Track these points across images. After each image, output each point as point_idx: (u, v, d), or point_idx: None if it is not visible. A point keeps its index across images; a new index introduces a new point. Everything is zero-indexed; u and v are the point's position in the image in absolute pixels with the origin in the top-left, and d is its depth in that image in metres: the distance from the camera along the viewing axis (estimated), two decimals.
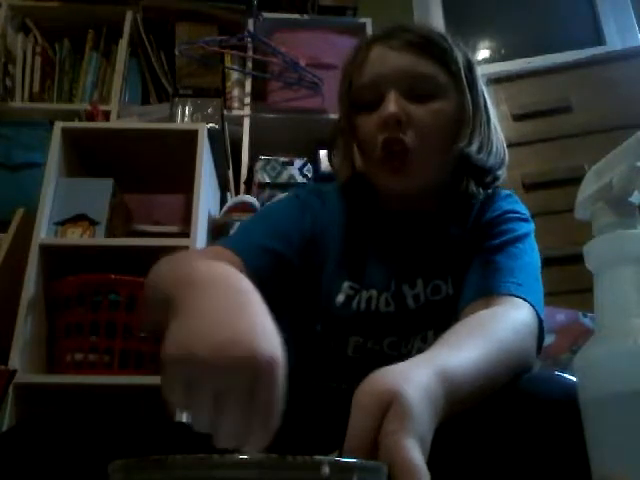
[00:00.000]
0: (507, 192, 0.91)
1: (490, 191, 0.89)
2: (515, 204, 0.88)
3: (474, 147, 0.83)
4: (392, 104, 0.80)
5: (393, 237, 0.87)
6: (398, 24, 0.88)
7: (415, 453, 0.43)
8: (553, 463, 0.57)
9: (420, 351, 0.59)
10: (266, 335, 0.45)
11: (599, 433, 0.47)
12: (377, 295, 0.82)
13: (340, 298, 0.82)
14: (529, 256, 0.80)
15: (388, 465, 0.42)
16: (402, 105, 0.80)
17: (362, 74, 0.84)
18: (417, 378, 0.49)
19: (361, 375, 0.50)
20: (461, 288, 0.79)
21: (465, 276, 0.79)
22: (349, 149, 0.87)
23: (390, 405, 0.46)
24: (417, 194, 0.86)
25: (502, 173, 0.89)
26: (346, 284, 0.82)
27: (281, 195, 1.67)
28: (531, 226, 0.85)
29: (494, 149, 0.86)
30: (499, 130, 0.90)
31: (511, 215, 0.85)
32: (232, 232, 0.88)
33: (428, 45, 0.83)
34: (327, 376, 0.83)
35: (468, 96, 0.84)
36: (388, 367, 0.51)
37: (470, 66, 0.87)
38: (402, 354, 0.81)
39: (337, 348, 0.81)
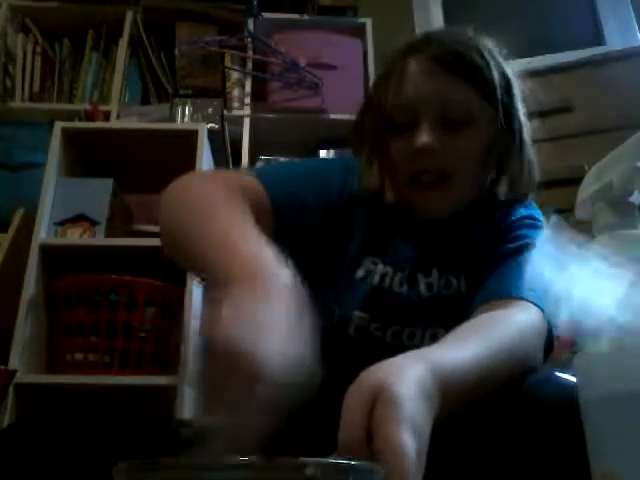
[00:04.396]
0: None
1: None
2: (533, 210, 0.89)
3: (502, 188, 0.85)
4: (426, 134, 0.79)
5: (416, 225, 0.87)
6: (432, 34, 0.87)
7: (407, 440, 0.43)
8: (553, 463, 0.57)
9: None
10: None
11: (599, 433, 0.47)
12: (392, 273, 0.83)
13: (360, 273, 0.83)
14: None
15: (379, 452, 0.42)
16: (436, 134, 0.80)
17: (395, 93, 0.83)
18: (410, 372, 0.49)
19: (359, 363, 0.50)
20: (473, 289, 0.80)
21: (479, 277, 0.80)
22: (378, 163, 0.86)
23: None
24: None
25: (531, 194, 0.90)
26: (368, 259, 0.83)
27: None
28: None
29: (525, 177, 0.87)
30: (532, 152, 0.90)
31: (529, 221, 0.86)
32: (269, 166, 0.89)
33: (462, 64, 0.82)
34: (326, 357, 0.83)
35: (501, 120, 0.83)
36: (381, 362, 0.51)
37: (508, 84, 0.86)
38: (404, 345, 0.81)
39: (340, 324, 0.82)
